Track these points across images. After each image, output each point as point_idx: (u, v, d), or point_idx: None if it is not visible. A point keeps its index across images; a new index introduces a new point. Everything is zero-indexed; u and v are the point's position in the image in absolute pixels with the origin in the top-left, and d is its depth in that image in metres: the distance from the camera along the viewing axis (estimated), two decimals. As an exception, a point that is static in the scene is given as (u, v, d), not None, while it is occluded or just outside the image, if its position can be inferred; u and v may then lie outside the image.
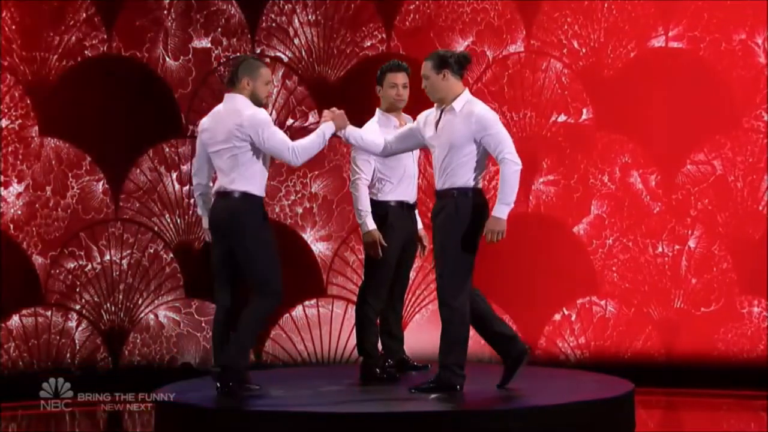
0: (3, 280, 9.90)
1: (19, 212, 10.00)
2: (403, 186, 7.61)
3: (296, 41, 10.20)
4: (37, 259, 10.01)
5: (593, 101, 9.93)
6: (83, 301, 10.06)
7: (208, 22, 10.21)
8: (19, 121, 10.00)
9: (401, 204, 7.61)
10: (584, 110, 9.96)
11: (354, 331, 7.82)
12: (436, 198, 7.00)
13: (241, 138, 6.97)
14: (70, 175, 10.08)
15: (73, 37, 10.07)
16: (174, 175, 10.17)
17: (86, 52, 10.09)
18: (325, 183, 10.09)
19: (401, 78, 7.58)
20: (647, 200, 9.87)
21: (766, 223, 9.62)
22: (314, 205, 10.25)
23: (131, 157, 10.16)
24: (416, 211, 7.74)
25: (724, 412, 8.93)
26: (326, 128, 7.10)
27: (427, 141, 7.05)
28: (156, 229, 10.16)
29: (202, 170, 7.25)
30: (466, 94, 6.97)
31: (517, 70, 10.06)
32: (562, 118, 10.00)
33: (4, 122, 9.96)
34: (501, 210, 6.89)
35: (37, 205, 10.03)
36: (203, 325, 10.15)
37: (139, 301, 10.14)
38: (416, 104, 7.55)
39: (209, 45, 10.22)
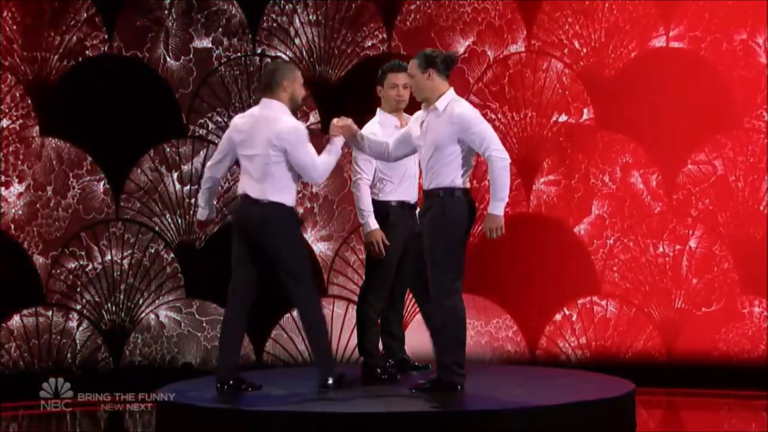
0: (4, 280, 9.91)
1: (20, 212, 10.01)
2: (404, 186, 7.61)
3: (297, 41, 10.20)
4: (38, 259, 10.01)
5: (594, 101, 9.93)
6: (84, 301, 10.06)
7: (209, 22, 10.21)
8: (20, 121, 10.01)
9: (402, 204, 7.61)
10: (585, 110, 9.96)
11: (355, 331, 7.82)
12: (423, 198, 7.03)
13: (277, 148, 7.02)
14: (71, 175, 10.08)
15: (74, 37, 10.07)
16: (175, 175, 10.17)
17: (87, 52, 10.09)
18: (325, 183, 10.09)
19: (402, 78, 7.57)
20: (648, 200, 9.87)
21: (766, 223, 9.61)
22: (315, 205, 10.25)
23: (132, 157, 10.16)
24: (417, 211, 7.74)
25: (725, 412, 8.92)
26: (338, 142, 7.18)
27: (414, 141, 7.07)
28: (157, 229, 10.17)
29: (222, 166, 7.25)
30: (450, 94, 6.97)
31: (517, 70, 10.05)
32: (563, 118, 10.00)
33: (5, 122, 9.97)
34: (496, 207, 6.89)
35: (38, 205, 10.04)
36: (204, 325, 10.15)
37: (140, 301, 10.14)
38: (417, 104, 7.55)
39: (210, 45, 10.22)
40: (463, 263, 6.99)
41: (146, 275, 10.15)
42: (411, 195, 7.66)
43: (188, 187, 10.18)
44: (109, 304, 10.11)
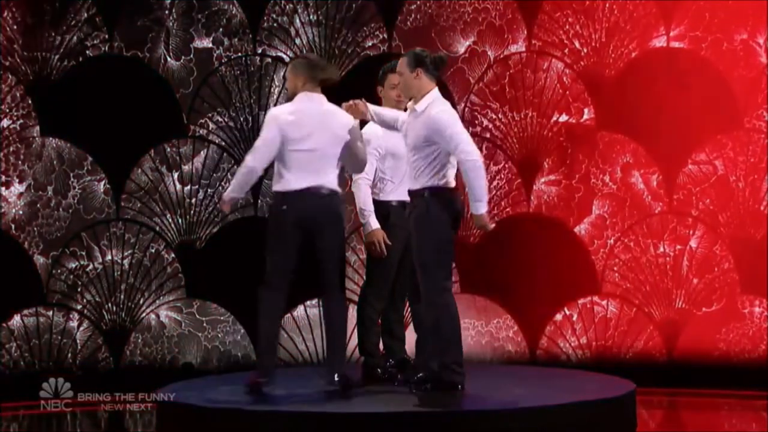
0: (4, 280, 9.91)
1: (21, 212, 10.01)
2: (404, 186, 7.60)
3: (297, 41, 10.20)
4: (39, 259, 10.02)
5: (594, 101, 9.93)
6: (84, 301, 10.07)
7: (210, 22, 10.21)
8: (21, 121, 10.01)
9: (403, 204, 7.60)
10: (585, 110, 9.96)
11: (355, 330, 7.82)
12: (410, 198, 7.05)
13: (343, 140, 7.12)
14: (71, 175, 10.09)
15: (75, 37, 10.07)
16: (175, 175, 10.17)
17: (87, 52, 10.09)
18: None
19: (402, 79, 7.58)
20: (649, 200, 9.87)
21: (767, 223, 9.61)
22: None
23: (133, 157, 10.16)
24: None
25: (726, 412, 8.92)
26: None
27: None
28: (157, 229, 10.17)
29: (267, 159, 7.21)
30: (432, 95, 7.01)
31: (518, 70, 10.06)
32: (563, 118, 10.00)
33: (6, 122, 9.97)
34: (476, 207, 6.90)
35: (38, 205, 10.04)
36: (204, 325, 10.15)
37: (141, 301, 10.14)
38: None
39: (211, 45, 10.22)
40: (452, 261, 7.02)
41: (147, 275, 10.15)
42: (411, 195, 7.67)
43: (189, 187, 10.18)
44: (110, 304, 10.11)
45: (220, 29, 10.22)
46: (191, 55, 10.21)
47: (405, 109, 7.68)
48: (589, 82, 9.93)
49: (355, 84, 10.02)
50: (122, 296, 10.13)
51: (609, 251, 9.92)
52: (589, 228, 9.97)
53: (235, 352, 10.14)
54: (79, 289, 10.06)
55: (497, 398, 6.94)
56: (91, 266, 10.08)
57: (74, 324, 10.05)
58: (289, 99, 7.27)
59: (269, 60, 10.16)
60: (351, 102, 7.29)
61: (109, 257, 10.12)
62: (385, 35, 10.19)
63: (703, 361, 9.63)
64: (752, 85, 9.65)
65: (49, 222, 10.04)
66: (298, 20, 10.20)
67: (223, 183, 10.16)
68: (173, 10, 10.19)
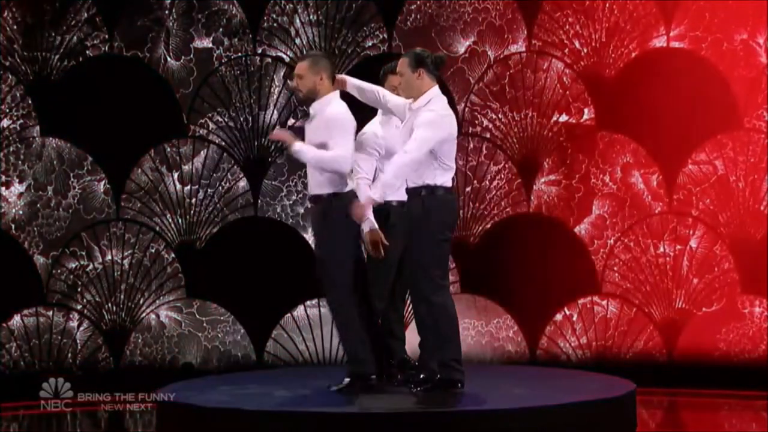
0: (4, 280, 9.91)
1: (21, 212, 10.01)
2: (404, 186, 7.61)
3: (297, 41, 10.20)
4: (39, 259, 10.01)
5: (595, 101, 9.93)
6: (85, 301, 10.06)
7: (210, 22, 10.21)
8: (21, 121, 10.01)
9: (403, 204, 7.61)
10: (586, 110, 9.95)
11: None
12: (407, 197, 7.05)
13: None
14: (71, 175, 10.08)
15: (75, 37, 10.07)
16: (175, 175, 10.17)
17: (87, 52, 10.09)
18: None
19: (403, 80, 7.58)
20: (649, 200, 9.86)
21: (767, 223, 9.61)
22: (315, 205, 10.23)
23: (133, 157, 10.15)
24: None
25: (726, 412, 8.92)
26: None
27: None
28: (157, 229, 10.16)
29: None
30: (431, 93, 7.01)
31: (518, 70, 10.05)
32: (563, 118, 10.00)
33: (6, 122, 9.97)
34: (369, 191, 6.95)
35: (38, 205, 10.04)
36: (204, 325, 10.14)
37: (141, 301, 10.14)
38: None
39: (211, 45, 10.22)
40: (448, 260, 7.04)
41: (147, 275, 10.15)
42: (411, 195, 7.67)
43: (189, 187, 10.17)
44: (110, 304, 10.11)
45: (220, 29, 10.22)
46: (191, 55, 10.20)
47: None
48: (589, 82, 9.93)
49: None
50: (122, 296, 10.13)
51: (609, 251, 9.92)
52: (589, 228, 9.97)
53: (235, 352, 10.14)
54: (79, 289, 10.06)
55: (497, 398, 6.94)
56: (91, 266, 10.08)
57: (74, 324, 10.04)
58: (308, 99, 7.17)
59: (269, 60, 10.16)
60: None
61: (109, 257, 10.12)
62: (385, 35, 10.18)
63: (703, 361, 9.63)
64: (752, 85, 9.65)
65: (49, 222, 10.04)
66: (298, 20, 10.20)
67: (222, 183, 10.16)
68: (173, 10, 10.18)
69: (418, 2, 10.16)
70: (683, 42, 9.79)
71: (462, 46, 10.11)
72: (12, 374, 9.84)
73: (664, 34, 9.83)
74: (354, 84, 7.29)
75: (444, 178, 6.98)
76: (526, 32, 10.04)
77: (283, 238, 10.17)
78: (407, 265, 7.15)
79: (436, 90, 7.03)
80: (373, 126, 7.58)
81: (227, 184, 10.15)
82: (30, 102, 10.02)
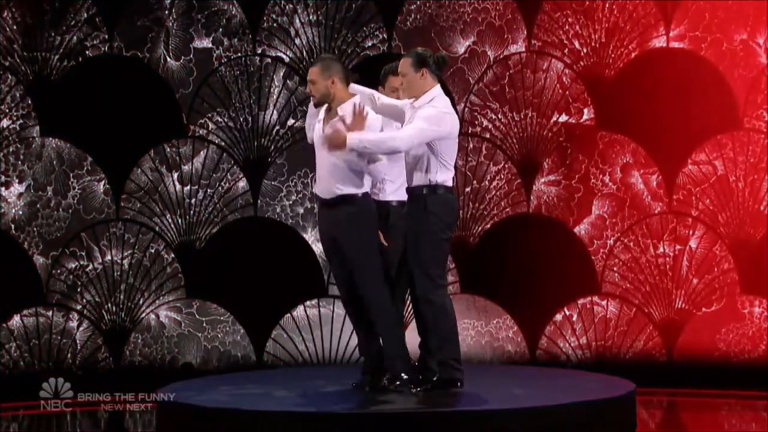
0: (4, 280, 9.90)
1: (21, 212, 10.01)
2: (404, 186, 7.61)
3: (297, 41, 10.20)
4: (39, 260, 10.01)
5: (594, 101, 9.93)
6: (84, 301, 10.06)
7: (210, 22, 10.20)
8: (21, 121, 10.01)
9: (403, 204, 7.60)
10: (585, 110, 9.95)
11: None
12: (407, 196, 7.05)
13: None
14: (71, 175, 10.08)
15: (75, 37, 10.07)
16: (175, 175, 10.17)
17: (87, 52, 10.09)
18: (326, 183, 10.07)
19: (403, 81, 7.57)
20: (648, 200, 9.87)
21: (767, 223, 9.61)
22: (315, 206, 10.23)
23: (132, 157, 10.15)
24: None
25: (726, 412, 8.92)
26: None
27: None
28: (157, 229, 10.16)
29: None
30: (433, 92, 7.01)
31: (518, 70, 10.05)
32: (563, 118, 10.00)
33: (6, 122, 9.97)
34: (353, 137, 6.82)
35: (38, 206, 10.03)
36: (204, 325, 10.14)
37: (140, 302, 10.14)
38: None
39: (210, 45, 10.21)
40: (447, 259, 7.05)
41: (146, 275, 10.15)
42: (411, 195, 7.66)
43: (189, 187, 10.17)
44: (110, 305, 10.11)
45: (220, 29, 10.21)
46: (191, 55, 10.20)
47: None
48: (588, 82, 9.93)
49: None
50: (122, 296, 10.13)
51: (609, 251, 9.92)
52: (588, 228, 9.97)
53: (235, 352, 10.14)
54: (78, 290, 10.06)
55: (497, 398, 6.94)
56: (90, 266, 10.08)
57: (74, 324, 10.04)
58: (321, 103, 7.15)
59: (269, 60, 10.16)
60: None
61: (108, 257, 10.12)
62: (385, 35, 10.18)
63: (703, 361, 9.63)
64: (752, 85, 9.65)
65: (48, 222, 10.04)
66: (297, 20, 10.20)
67: (222, 183, 10.16)
68: (173, 10, 10.18)
69: (418, 2, 10.16)
70: (683, 42, 9.80)
71: (462, 46, 10.11)
72: (12, 374, 9.84)
73: (664, 34, 9.83)
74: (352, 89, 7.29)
75: (445, 176, 6.98)
76: (525, 32, 10.04)
77: (283, 238, 10.17)
78: (407, 264, 7.14)
79: (438, 89, 7.03)
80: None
81: (227, 184, 10.15)
82: (30, 102, 10.02)
